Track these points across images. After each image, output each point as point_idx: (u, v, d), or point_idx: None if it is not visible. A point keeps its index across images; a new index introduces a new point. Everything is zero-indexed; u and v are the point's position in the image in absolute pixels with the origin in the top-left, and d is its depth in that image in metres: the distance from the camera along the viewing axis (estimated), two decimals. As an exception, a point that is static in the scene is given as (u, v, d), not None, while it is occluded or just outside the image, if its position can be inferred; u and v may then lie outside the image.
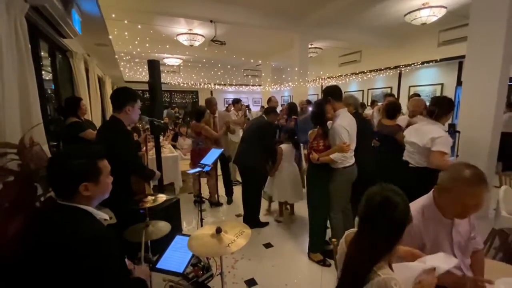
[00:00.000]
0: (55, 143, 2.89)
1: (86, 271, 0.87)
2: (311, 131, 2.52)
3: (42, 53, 3.08)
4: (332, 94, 2.38)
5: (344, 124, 2.26)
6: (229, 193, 4.04)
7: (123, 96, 1.87)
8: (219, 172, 3.98)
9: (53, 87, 3.65)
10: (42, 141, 1.86)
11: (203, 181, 3.82)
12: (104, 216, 1.06)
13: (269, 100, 4.80)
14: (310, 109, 5.13)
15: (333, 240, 1.26)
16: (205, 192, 4.02)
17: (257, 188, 3.21)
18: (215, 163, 3.66)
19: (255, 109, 11.08)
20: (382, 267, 0.88)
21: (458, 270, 1.20)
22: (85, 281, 0.87)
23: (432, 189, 1.25)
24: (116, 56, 5.90)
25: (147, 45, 6.37)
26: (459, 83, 6.72)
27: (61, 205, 0.96)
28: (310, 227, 2.59)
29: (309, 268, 2.44)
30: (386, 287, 0.83)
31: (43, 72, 3.11)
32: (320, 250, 2.55)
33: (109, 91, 7.01)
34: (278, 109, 4.62)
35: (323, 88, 2.73)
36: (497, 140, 3.24)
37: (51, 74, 3.55)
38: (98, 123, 4.35)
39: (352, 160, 2.42)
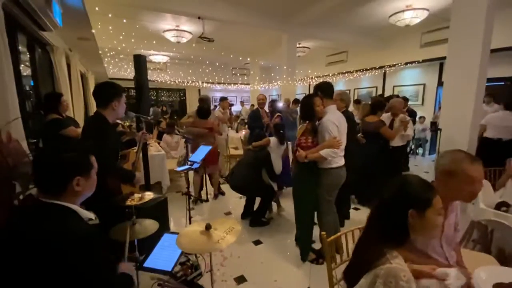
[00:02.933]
0: (34, 141, 2.76)
1: (74, 271, 0.84)
2: (300, 127, 2.45)
3: (20, 47, 2.93)
4: (323, 90, 2.35)
5: (333, 119, 2.22)
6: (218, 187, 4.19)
7: (107, 91, 1.79)
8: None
9: (32, 83, 3.48)
10: (20, 137, 1.77)
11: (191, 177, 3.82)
12: (89, 215, 1.03)
13: (258, 98, 4.33)
14: (281, 104, 5.15)
15: (323, 233, 1.27)
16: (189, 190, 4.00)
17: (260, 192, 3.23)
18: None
19: (248, 107, 11.06)
20: (396, 257, 0.87)
21: (445, 261, 1.25)
22: (73, 280, 0.84)
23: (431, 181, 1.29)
24: (100, 52, 5.72)
25: (133, 40, 6.20)
26: (440, 83, 6.99)
27: (44, 203, 0.92)
28: (298, 233, 2.55)
29: (298, 264, 2.46)
30: (395, 277, 0.81)
31: (21, 67, 2.96)
32: (309, 252, 2.53)
33: (92, 87, 6.78)
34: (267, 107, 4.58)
35: (315, 85, 2.75)
36: (475, 137, 3.39)
37: (29, 70, 3.39)
38: (80, 120, 4.19)
39: (341, 162, 2.33)
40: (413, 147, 7.01)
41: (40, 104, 3.27)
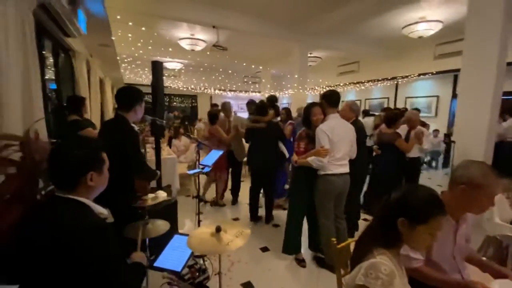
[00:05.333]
0: (55, 140, 2.89)
1: (84, 262, 0.87)
2: (299, 132, 2.60)
3: (44, 52, 3.10)
4: (326, 98, 2.42)
5: (324, 128, 2.23)
6: (236, 193, 4.20)
7: (132, 96, 1.90)
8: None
9: (51, 86, 3.65)
10: (43, 137, 1.86)
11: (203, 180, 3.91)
12: (101, 210, 1.07)
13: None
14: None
15: (333, 239, 1.28)
16: (208, 195, 4.07)
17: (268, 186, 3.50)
18: (227, 167, 3.99)
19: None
20: (383, 254, 0.92)
21: (458, 273, 1.22)
22: (85, 272, 0.87)
23: (441, 191, 1.24)
24: (118, 58, 5.94)
25: (150, 47, 6.42)
26: (454, 95, 6.87)
27: (59, 197, 0.97)
28: (285, 228, 2.61)
29: (306, 272, 2.44)
30: (375, 269, 0.87)
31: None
32: (293, 253, 2.59)
33: (108, 92, 7.02)
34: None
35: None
36: (491, 150, 3.30)
37: (52, 73, 3.57)
38: (96, 123, 4.34)
39: (337, 170, 2.29)
40: (427, 160, 6.86)
41: (62, 106, 3.44)
